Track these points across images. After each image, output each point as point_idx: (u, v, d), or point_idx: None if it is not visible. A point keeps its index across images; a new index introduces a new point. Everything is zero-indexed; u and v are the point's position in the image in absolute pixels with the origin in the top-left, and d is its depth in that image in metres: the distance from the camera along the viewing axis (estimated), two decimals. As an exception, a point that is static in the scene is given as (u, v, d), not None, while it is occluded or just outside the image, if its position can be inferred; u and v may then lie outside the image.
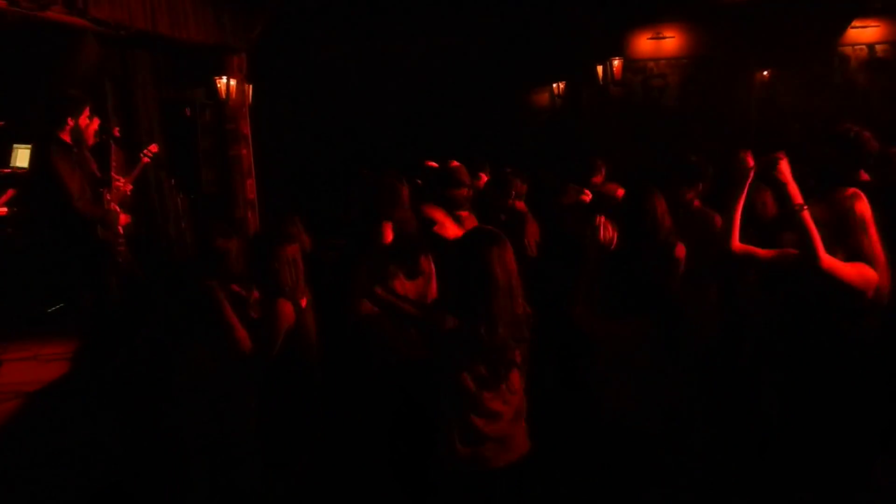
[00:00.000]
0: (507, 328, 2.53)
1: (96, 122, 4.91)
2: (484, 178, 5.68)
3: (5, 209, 5.96)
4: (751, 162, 3.54)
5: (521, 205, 4.73)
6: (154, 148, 5.52)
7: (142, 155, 5.28)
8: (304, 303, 3.40)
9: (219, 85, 8.05)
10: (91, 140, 4.92)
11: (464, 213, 4.20)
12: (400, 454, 3.79)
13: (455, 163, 4.85)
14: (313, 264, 4.22)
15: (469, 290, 2.55)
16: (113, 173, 5.09)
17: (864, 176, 4.29)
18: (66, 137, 4.78)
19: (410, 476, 3.76)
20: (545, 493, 3.00)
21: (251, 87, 8.66)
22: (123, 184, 5.14)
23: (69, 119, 4.75)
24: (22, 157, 5.97)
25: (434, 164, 5.17)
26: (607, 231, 3.00)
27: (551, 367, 4.02)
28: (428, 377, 2.70)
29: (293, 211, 4.34)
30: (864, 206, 2.84)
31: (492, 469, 2.64)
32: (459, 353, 2.56)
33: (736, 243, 3.00)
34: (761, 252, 3.07)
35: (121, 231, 5.05)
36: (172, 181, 7.24)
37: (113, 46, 7.40)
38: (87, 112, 4.82)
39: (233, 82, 8.15)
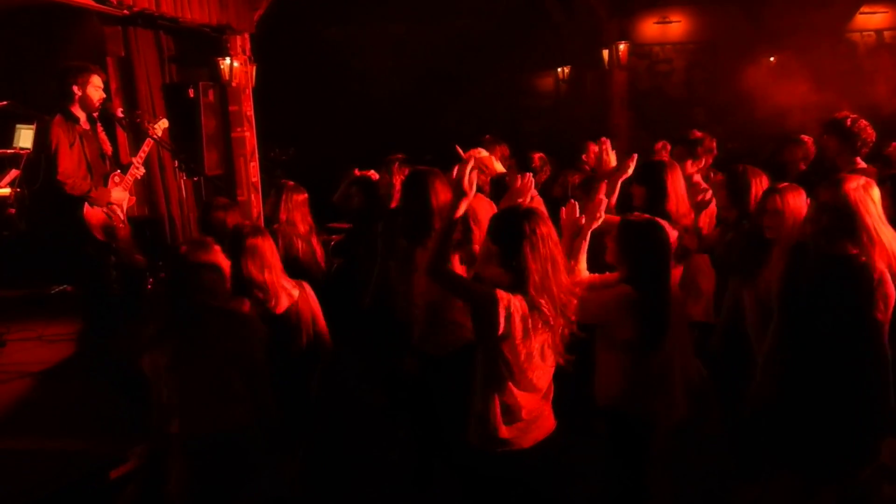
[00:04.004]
0: (555, 291, 2.56)
1: (102, 95, 4.87)
2: (494, 158, 5.65)
3: (8, 189, 5.95)
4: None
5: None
6: (163, 124, 5.47)
7: (149, 127, 5.23)
8: (296, 293, 3.30)
9: (222, 66, 8.00)
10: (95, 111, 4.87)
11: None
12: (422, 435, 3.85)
13: (481, 150, 4.86)
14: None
15: (512, 259, 2.58)
16: (134, 160, 5.07)
17: (861, 164, 4.28)
18: (76, 111, 4.75)
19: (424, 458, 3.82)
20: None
21: (254, 68, 8.61)
22: (137, 167, 5.10)
23: (75, 88, 4.70)
24: (25, 137, 5.95)
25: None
26: (575, 212, 3.12)
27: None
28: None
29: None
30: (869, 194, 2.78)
31: (522, 449, 2.65)
32: (499, 322, 2.54)
33: None
34: None
35: (122, 215, 5.02)
36: (176, 163, 7.22)
37: (115, 26, 7.36)
38: (92, 79, 4.75)
39: (236, 63, 8.10)
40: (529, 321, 2.54)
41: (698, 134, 4.52)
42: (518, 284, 2.56)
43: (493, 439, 2.63)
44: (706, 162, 4.41)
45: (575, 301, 2.64)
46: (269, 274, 3.16)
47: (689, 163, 4.36)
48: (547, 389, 2.71)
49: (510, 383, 2.61)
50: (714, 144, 4.55)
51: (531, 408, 2.65)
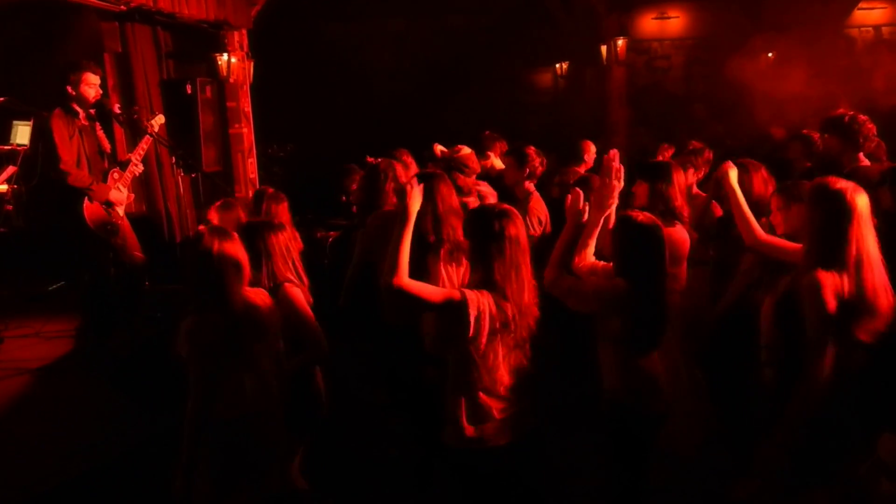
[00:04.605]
0: (515, 295, 2.58)
1: (98, 91, 4.88)
2: (493, 155, 5.63)
3: (5, 186, 5.93)
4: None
5: (529, 184, 4.70)
6: (159, 120, 5.47)
7: (146, 124, 5.23)
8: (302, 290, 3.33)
9: (219, 62, 7.99)
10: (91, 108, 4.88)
11: (470, 200, 4.21)
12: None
13: (463, 147, 4.80)
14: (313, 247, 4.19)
15: (479, 257, 2.62)
16: (133, 156, 5.07)
17: (864, 161, 4.25)
18: (75, 106, 4.79)
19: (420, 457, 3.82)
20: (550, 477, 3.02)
21: (252, 64, 8.59)
22: (136, 164, 5.10)
23: (68, 88, 4.74)
24: (22, 133, 5.93)
25: (443, 148, 5.09)
26: (580, 201, 3.00)
27: (555, 346, 4.02)
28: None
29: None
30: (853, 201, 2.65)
31: (497, 446, 2.65)
32: (469, 323, 2.54)
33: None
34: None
35: (121, 212, 5.01)
36: (173, 159, 7.19)
37: (112, 22, 7.33)
38: (85, 77, 4.78)
39: (234, 59, 8.09)
40: (497, 320, 2.56)
41: (696, 144, 4.51)
42: (486, 281, 2.59)
43: (462, 438, 2.64)
44: (704, 173, 4.40)
45: (534, 313, 2.65)
46: (294, 258, 3.29)
47: (690, 171, 4.35)
48: (521, 389, 2.69)
49: (477, 383, 2.62)
50: (711, 156, 4.56)
51: (503, 406, 2.65)
